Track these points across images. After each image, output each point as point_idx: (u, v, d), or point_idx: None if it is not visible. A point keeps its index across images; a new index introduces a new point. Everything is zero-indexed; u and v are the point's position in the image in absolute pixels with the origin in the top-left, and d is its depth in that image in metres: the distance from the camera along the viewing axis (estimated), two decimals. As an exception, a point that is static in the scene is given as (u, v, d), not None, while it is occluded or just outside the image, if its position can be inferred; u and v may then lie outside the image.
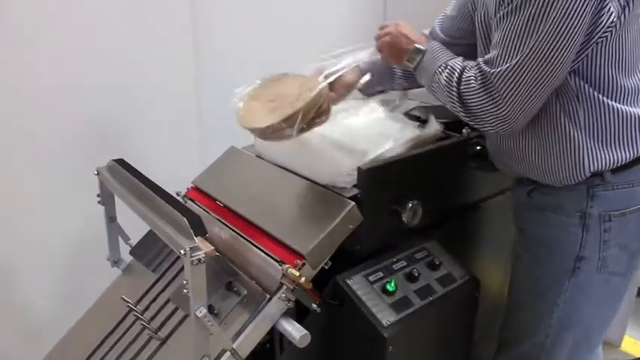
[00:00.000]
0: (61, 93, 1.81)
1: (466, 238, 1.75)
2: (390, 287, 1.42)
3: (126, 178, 1.42)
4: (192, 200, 1.65)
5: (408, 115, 1.74)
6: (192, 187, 1.69)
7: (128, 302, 1.48)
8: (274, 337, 1.43)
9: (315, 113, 1.38)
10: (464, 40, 1.53)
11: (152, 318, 1.46)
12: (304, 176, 1.49)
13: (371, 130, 1.64)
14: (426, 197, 1.51)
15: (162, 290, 1.52)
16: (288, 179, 1.51)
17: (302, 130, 1.37)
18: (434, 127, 1.63)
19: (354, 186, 1.42)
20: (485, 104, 1.24)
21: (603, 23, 1.18)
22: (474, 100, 1.25)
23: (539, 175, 1.38)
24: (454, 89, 1.29)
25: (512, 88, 1.20)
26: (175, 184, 1.62)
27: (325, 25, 2.58)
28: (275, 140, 1.43)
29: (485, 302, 1.65)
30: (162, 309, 1.47)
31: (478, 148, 1.65)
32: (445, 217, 1.67)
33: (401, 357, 1.40)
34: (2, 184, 1.77)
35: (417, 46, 1.40)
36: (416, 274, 1.47)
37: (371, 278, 1.44)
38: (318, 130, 1.55)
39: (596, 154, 1.29)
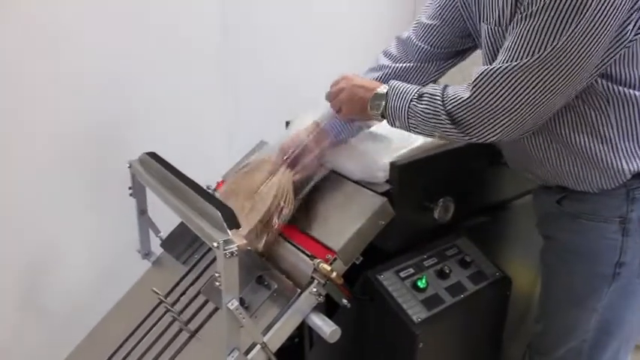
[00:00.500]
0: (96, 88, 1.84)
1: (497, 236, 1.73)
2: (421, 284, 1.41)
3: (158, 170, 1.43)
4: (222, 194, 1.65)
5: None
6: (222, 181, 1.69)
7: (158, 294, 1.49)
8: (304, 332, 1.43)
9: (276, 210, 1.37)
10: (448, 47, 1.47)
11: (182, 310, 1.47)
12: (336, 171, 1.49)
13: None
14: (458, 194, 1.49)
15: (193, 283, 1.53)
16: (320, 174, 1.51)
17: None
18: (466, 123, 1.61)
19: (386, 182, 1.42)
20: (481, 109, 1.15)
21: (631, 31, 1.12)
22: (466, 110, 1.17)
23: (573, 183, 1.32)
24: (441, 111, 1.21)
25: (515, 90, 1.11)
26: (204, 178, 1.63)
27: (352, 25, 2.59)
28: None
29: (515, 301, 1.62)
30: (193, 301, 1.48)
31: (511, 145, 1.63)
32: (476, 215, 1.66)
33: (431, 354, 1.39)
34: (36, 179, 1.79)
35: (378, 91, 1.32)
36: (447, 271, 1.46)
37: (402, 274, 1.43)
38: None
39: (634, 154, 1.24)
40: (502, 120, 1.15)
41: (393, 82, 1.33)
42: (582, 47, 1.06)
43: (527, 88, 1.10)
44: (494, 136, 1.19)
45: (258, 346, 1.23)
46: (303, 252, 1.34)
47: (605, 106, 1.21)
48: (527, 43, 1.08)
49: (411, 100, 1.26)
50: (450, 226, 1.53)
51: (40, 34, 1.72)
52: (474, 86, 1.15)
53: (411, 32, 1.51)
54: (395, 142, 1.49)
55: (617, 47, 1.13)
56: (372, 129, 1.59)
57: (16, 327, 1.87)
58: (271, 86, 2.30)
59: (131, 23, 1.89)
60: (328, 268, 1.25)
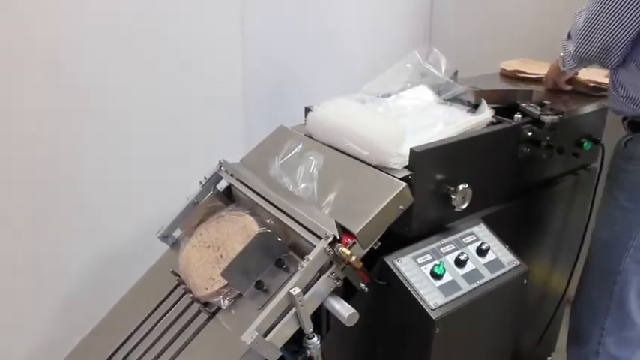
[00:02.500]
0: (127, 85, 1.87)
1: (514, 224, 1.73)
2: (439, 270, 1.41)
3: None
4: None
5: (458, 99, 1.73)
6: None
7: (178, 276, 1.50)
8: (321, 316, 1.44)
9: None
10: None
11: (200, 292, 1.48)
12: (355, 156, 1.49)
13: (421, 113, 1.63)
14: (476, 181, 1.50)
15: (211, 266, 1.54)
16: (339, 159, 1.51)
17: None
18: (486, 111, 1.61)
19: (405, 167, 1.42)
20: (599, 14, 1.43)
21: None
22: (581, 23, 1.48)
23: None
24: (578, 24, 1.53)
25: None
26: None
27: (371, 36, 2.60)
28: None
29: (530, 289, 1.63)
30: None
31: (530, 134, 1.63)
32: (494, 203, 1.66)
33: (447, 339, 1.40)
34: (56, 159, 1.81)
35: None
36: (464, 259, 1.46)
37: (419, 260, 1.44)
38: (369, 112, 1.57)
39: None
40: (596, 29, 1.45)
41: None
42: None
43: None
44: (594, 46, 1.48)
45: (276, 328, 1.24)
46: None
47: None
48: None
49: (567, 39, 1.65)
50: (467, 213, 1.53)
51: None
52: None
53: None
54: (413, 128, 1.50)
55: None
56: (389, 115, 1.60)
57: (34, 307, 1.88)
58: (289, 71, 2.30)
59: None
60: (348, 252, 1.26)
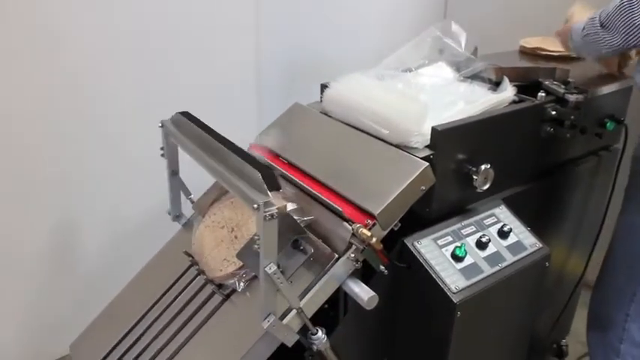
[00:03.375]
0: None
1: (535, 206, 1.69)
2: (460, 252, 1.38)
3: (192, 130, 1.39)
4: (255, 157, 1.62)
5: (479, 76, 1.68)
6: (254, 144, 1.65)
7: (191, 256, 1.47)
8: (338, 299, 1.41)
9: None
10: None
11: (214, 273, 1.45)
12: (374, 135, 1.44)
13: (441, 90, 1.58)
14: (498, 161, 1.45)
15: (225, 246, 1.50)
16: (358, 138, 1.46)
17: None
18: (508, 90, 1.56)
19: (427, 147, 1.38)
20: (625, 13, 1.36)
21: None
22: (614, 15, 1.39)
23: None
24: (596, 21, 1.47)
25: None
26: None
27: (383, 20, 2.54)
28: None
29: (548, 273, 1.59)
30: (225, 265, 1.45)
31: (553, 113, 1.58)
32: (515, 183, 1.62)
33: (469, 323, 1.36)
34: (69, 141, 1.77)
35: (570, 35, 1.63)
36: (485, 241, 1.42)
37: (440, 242, 1.40)
38: (388, 89, 1.52)
39: None
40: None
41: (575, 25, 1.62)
42: None
43: None
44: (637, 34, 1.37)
45: (294, 311, 1.21)
46: (341, 216, 1.30)
47: None
48: None
49: (581, 31, 1.55)
50: (488, 194, 1.49)
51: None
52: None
53: None
54: (434, 106, 1.45)
55: None
56: (409, 93, 1.55)
57: (50, 287, 1.87)
58: (302, 49, 2.25)
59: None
60: (368, 233, 1.22)
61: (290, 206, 1.30)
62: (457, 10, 2.77)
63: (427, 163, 1.31)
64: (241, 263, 1.33)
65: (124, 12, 1.79)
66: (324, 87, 1.61)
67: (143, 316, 1.50)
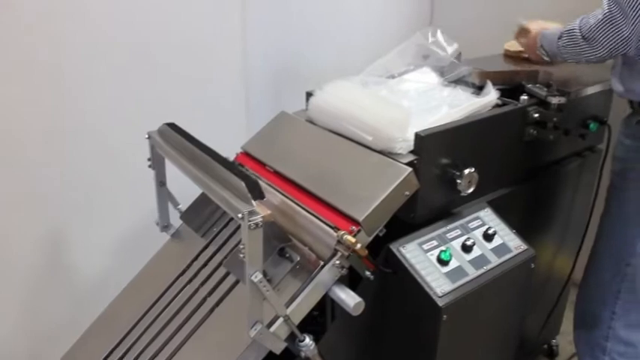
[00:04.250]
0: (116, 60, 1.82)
1: (520, 208, 1.70)
2: (445, 256, 1.39)
3: (178, 141, 1.40)
4: (242, 166, 1.63)
5: (463, 81, 1.69)
6: (241, 153, 1.67)
7: (178, 267, 1.48)
8: (325, 305, 1.42)
9: None
10: None
11: (203, 283, 1.46)
12: (358, 141, 1.46)
13: (425, 95, 1.60)
14: (482, 165, 1.47)
15: (212, 256, 1.51)
16: (342, 145, 1.48)
17: None
18: (491, 93, 1.58)
19: (410, 152, 1.39)
20: (610, 25, 1.37)
21: None
22: (599, 26, 1.40)
23: None
24: (577, 32, 1.48)
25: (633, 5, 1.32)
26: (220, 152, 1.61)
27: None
28: None
29: (536, 274, 1.60)
30: (213, 274, 1.46)
31: (536, 115, 1.60)
32: (500, 186, 1.63)
33: (455, 326, 1.37)
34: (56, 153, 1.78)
35: (540, 42, 1.66)
36: (470, 244, 1.44)
37: (425, 247, 1.41)
38: (372, 95, 1.54)
39: None
40: (627, 33, 1.36)
41: (543, 31, 1.65)
42: None
43: None
44: (622, 47, 1.39)
45: (281, 319, 1.22)
46: (327, 223, 1.32)
47: None
48: None
49: (557, 40, 1.56)
50: (473, 197, 1.50)
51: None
52: (607, 6, 1.37)
53: None
54: (418, 112, 1.47)
55: None
56: (392, 99, 1.57)
57: (38, 300, 1.87)
58: (290, 57, 2.26)
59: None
60: (353, 239, 1.23)
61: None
62: (443, 15, 2.78)
63: (410, 169, 1.33)
64: None
65: (109, 22, 1.78)
66: (309, 95, 1.62)
67: (134, 325, 1.50)
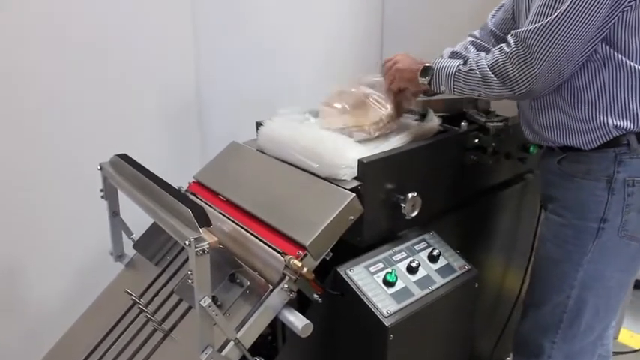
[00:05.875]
0: (64, 88, 1.84)
1: (465, 230, 1.77)
2: (391, 278, 1.44)
3: (129, 172, 1.44)
4: (195, 195, 1.67)
5: (407, 109, 1.76)
6: (194, 182, 1.71)
7: (132, 295, 1.50)
8: (277, 328, 1.45)
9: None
10: None
11: (156, 310, 1.48)
12: (305, 169, 1.52)
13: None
14: (426, 190, 1.53)
15: (166, 283, 1.54)
16: (290, 172, 1.53)
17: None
18: (433, 120, 1.65)
19: (354, 178, 1.45)
20: (518, 63, 1.36)
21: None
22: (506, 65, 1.38)
23: (569, 138, 1.47)
24: (483, 66, 1.43)
25: (543, 45, 1.32)
26: (174, 180, 1.64)
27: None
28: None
29: (485, 293, 1.66)
30: (166, 301, 1.49)
31: (476, 141, 1.68)
32: (444, 210, 1.70)
33: (402, 346, 1.42)
34: (7, 184, 1.79)
35: (427, 64, 1.56)
36: (415, 265, 1.49)
37: (372, 269, 1.46)
38: (317, 124, 1.60)
39: (620, 113, 1.39)
40: (534, 71, 1.35)
41: (438, 59, 1.57)
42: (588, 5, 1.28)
43: (551, 40, 1.31)
44: (527, 87, 1.38)
45: (232, 343, 1.25)
46: (274, 249, 1.36)
47: (602, 67, 1.39)
48: (548, 6, 1.32)
49: (457, 66, 1.49)
50: (418, 221, 1.56)
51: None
52: (514, 44, 1.36)
53: (489, 25, 1.76)
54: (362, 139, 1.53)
55: (616, 10, 1.31)
56: (337, 126, 1.62)
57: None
58: (242, 88, 2.31)
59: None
60: (299, 264, 1.28)
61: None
62: (393, 32, 2.82)
63: (354, 194, 1.39)
64: None
65: (58, 42, 1.79)
66: (259, 125, 1.67)
67: (89, 354, 1.51)
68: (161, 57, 2.05)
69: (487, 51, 1.48)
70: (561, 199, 1.55)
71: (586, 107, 1.42)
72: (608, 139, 1.42)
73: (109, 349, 1.50)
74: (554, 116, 1.49)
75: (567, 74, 1.39)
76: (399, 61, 1.64)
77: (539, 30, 1.32)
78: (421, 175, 1.57)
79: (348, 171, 1.44)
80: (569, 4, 1.28)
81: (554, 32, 1.31)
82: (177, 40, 2.10)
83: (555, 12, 1.30)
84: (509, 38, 1.39)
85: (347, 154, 1.45)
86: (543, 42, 1.32)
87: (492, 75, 1.42)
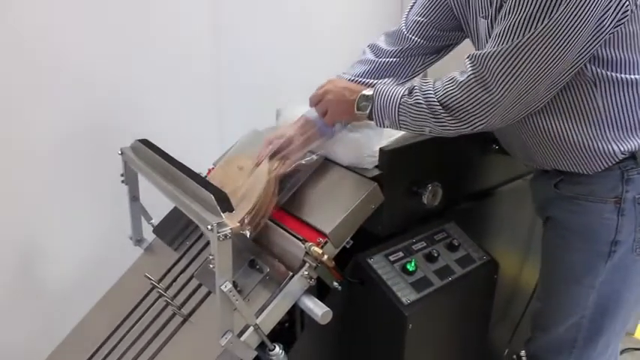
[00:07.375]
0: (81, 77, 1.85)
1: (485, 220, 1.76)
2: (410, 267, 1.43)
3: (150, 157, 1.44)
4: (214, 181, 1.67)
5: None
6: (213, 168, 1.70)
7: (151, 279, 1.50)
8: (295, 315, 1.45)
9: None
10: (437, 41, 1.53)
11: (175, 295, 1.49)
12: (327, 157, 1.51)
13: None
14: (446, 179, 1.52)
15: (185, 268, 1.55)
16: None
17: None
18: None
19: (376, 167, 1.44)
20: (475, 91, 1.20)
21: (614, 19, 1.15)
22: (460, 94, 1.21)
23: (570, 166, 1.36)
24: (433, 101, 1.25)
25: (508, 71, 1.15)
26: (195, 166, 1.64)
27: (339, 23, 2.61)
28: None
29: (502, 285, 1.65)
30: (185, 286, 1.49)
31: (498, 131, 1.66)
32: (464, 200, 1.69)
33: (420, 335, 1.42)
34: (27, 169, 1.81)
35: (364, 92, 1.37)
36: (435, 255, 1.49)
37: (391, 258, 1.46)
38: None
39: (621, 138, 1.29)
40: (494, 102, 1.19)
41: (379, 84, 1.38)
42: (567, 29, 1.10)
43: (518, 67, 1.14)
44: (485, 120, 1.22)
45: (251, 328, 1.25)
46: (295, 236, 1.36)
47: (593, 90, 1.25)
48: (517, 26, 1.12)
49: (401, 97, 1.30)
50: (438, 210, 1.56)
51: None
52: (472, 69, 1.20)
53: (402, 26, 1.54)
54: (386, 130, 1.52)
55: (598, 36, 1.17)
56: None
57: (9, 314, 1.87)
58: (262, 74, 2.31)
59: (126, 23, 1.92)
60: (320, 251, 1.27)
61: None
62: None
63: (375, 183, 1.38)
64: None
65: (79, 34, 1.82)
66: (279, 112, 1.66)
67: (108, 337, 1.52)
68: (183, 44, 2.07)
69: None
70: (564, 221, 1.44)
71: (585, 137, 1.30)
72: (614, 162, 1.31)
73: (127, 332, 1.50)
74: (547, 146, 1.37)
75: (534, 108, 1.26)
76: (329, 91, 1.43)
77: (505, 53, 1.14)
78: (442, 165, 1.56)
79: (370, 159, 1.44)
80: (543, 27, 1.10)
81: (523, 57, 1.13)
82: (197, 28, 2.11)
83: (526, 34, 1.12)
84: (466, 61, 1.22)
85: (368, 144, 1.44)
86: (508, 67, 1.15)
87: (442, 109, 1.24)
